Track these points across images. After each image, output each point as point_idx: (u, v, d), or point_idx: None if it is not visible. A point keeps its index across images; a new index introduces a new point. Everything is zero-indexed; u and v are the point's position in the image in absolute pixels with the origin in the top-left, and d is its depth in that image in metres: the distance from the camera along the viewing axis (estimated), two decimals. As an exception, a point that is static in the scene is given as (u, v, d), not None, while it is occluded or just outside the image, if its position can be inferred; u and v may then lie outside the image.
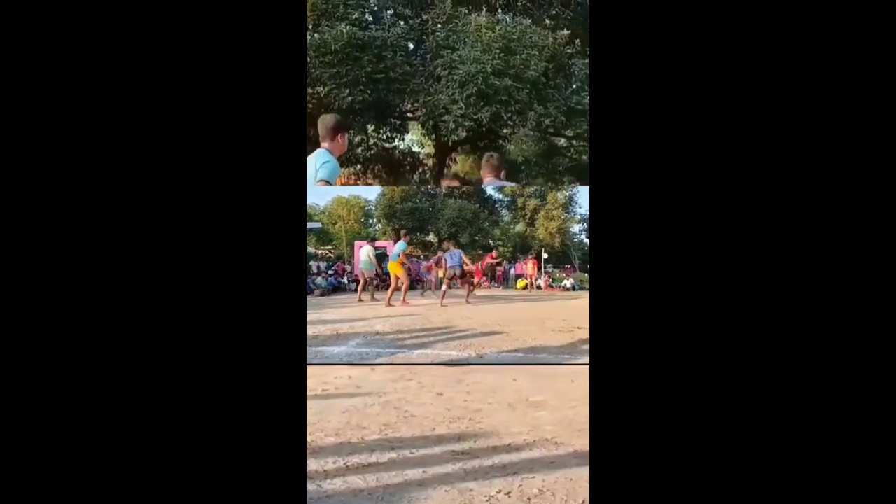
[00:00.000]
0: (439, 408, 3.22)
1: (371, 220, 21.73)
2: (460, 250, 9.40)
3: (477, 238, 20.27)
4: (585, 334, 4.94)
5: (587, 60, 9.92)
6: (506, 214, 23.27)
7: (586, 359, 4.30)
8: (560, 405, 3.25)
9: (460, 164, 15.10)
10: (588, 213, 16.45)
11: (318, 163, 3.03)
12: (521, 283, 14.83)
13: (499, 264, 13.11)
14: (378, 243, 16.40)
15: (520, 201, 19.95)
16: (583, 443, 2.66)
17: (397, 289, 8.45)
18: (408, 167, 12.53)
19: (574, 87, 9.99)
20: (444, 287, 8.75)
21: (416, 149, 13.54)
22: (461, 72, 8.85)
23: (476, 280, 11.27)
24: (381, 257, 14.73)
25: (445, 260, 9.01)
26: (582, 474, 2.32)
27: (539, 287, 14.28)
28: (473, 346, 4.61)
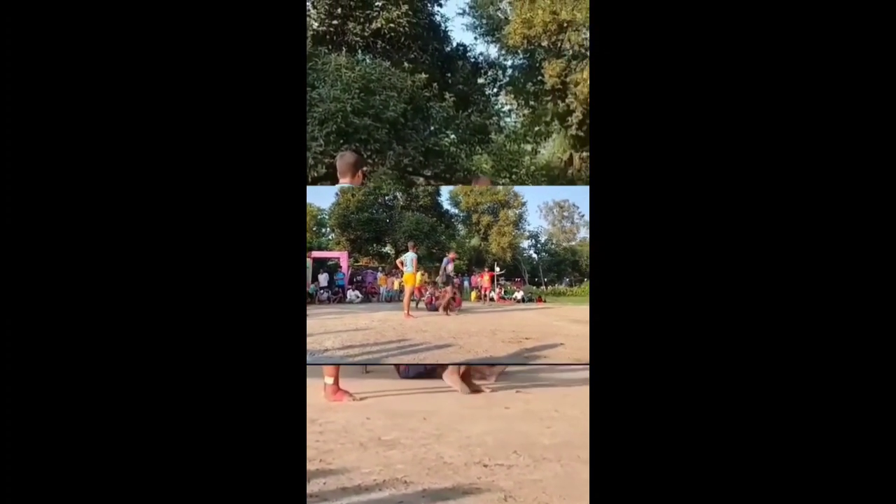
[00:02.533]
0: (290, 450, 3.16)
1: (324, 230, 20.81)
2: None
3: (435, 251, 20.14)
4: (531, 344, 5.08)
5: (444, 104, 10.31)
6: (462, 228, 23.54)
7: (536, 363, 4.58)
8: (412, 443, 3.23)
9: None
10: (535, 230, 17.16)
11: None
12: (473, 294, 14.47)
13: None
14: (327, 253, 15.26)
15: (474, 217, 20.12)
16: (432, 480, 2.71)
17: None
18: (265, 200, 12.23)
19: (432, 128, 10.29)
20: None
21: (275, 182, 13.24)
22: (321, 109, 8.91)
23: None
24: (333, 269, 13.97)
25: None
26: (430, 512, 2.37)
27: (492, 299, 14.14)
28: (427, 359, 4.49)
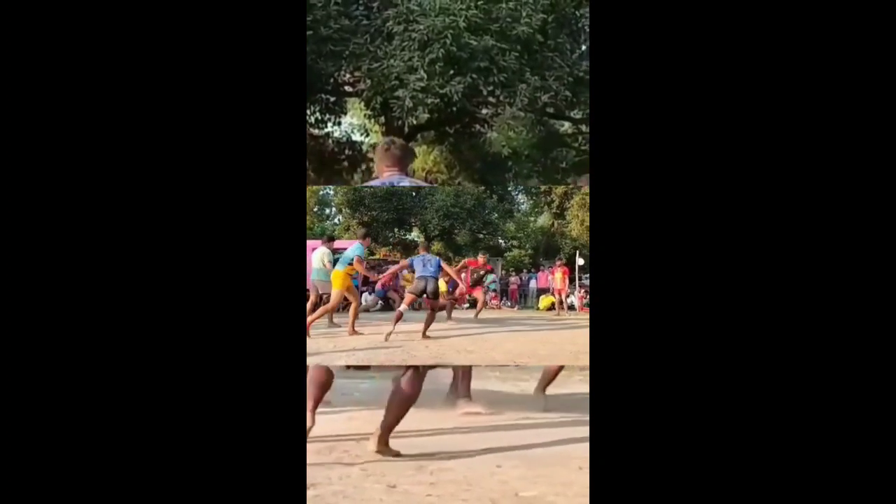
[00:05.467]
0: None
1: (329, 211, 17.27)
2: (437, 257, 6.47)
3: (482, 235, 15.97)
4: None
5: None
6: (523, 201, 18.35)
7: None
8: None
9: (421, 158, 11.81)
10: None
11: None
12: (544, 300, 11.48)
13: (487, 273, 9.40)
14: (339, 244, 12.75)
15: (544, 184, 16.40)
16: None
17: (355, 311, 5.91)
18: (345, 163, 9.43)
19: (583, 48, 7.77)
20: (399, 308, 5.91)
21: (356, 137, 10.37)
22: (422, 27, 6.86)
23: (480, 296, 7.86)
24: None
25: (412, 268, 6.16)
26: None
27: (572, 307, 10.96)
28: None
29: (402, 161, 3.19)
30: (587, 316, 9.94)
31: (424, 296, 5.76)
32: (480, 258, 8.92)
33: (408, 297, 5.91)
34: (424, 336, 5.50)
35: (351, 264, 5.73)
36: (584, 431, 3.18)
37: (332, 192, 15.12)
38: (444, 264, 6.12)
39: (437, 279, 5.85)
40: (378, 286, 8.38)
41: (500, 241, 16.91)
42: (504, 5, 6.96)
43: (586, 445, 2.99)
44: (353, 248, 6.04)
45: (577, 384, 4.47)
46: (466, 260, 8.67)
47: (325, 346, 4.96)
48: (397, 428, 3.00)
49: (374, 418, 3.48)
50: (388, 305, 10.40)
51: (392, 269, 7.30)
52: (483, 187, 14.60)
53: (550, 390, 4.35)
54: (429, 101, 6.77)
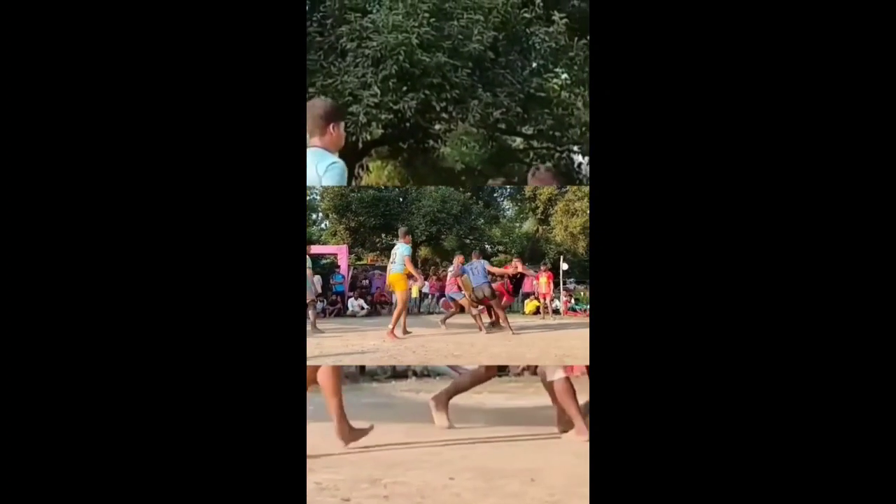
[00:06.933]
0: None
1: (315, 216, 16.99)
2: (483, 261, 7.04)
3: (468, 240, 15.92)
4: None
5: (551, 29, 7.36)
6: (508, 207, 18.49)
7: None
8: None
9: (375, 172, 11.68)
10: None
11: (319, 167, 2.50)
12: (530, 304, 11.46)
13: (521, 276, 9.27)
14: (318, 249, 12.33)
15: (528, 190, 15.89)
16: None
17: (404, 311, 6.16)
18: (301, 178, 9.45)
19: (534, 65, 7.64)
20: (474, 311, 6.77)
21: (310, 153, 10.37)
22: (375, 44, 6.82)
23: (505, 301, 7.95)
24: (328, 269, 11.04)
25: (468, 276, 6.74)
26: None
27: (556, 310, 11.03)
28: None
29: (551, 184, 3.57)
30: (571, 319, 9.85)
31: (485, 298, 6.58)
32: (516, 262, 8.85)
33: (468, 305, 6.82)
34: (512, 330, 6.41)
35: (407, 265, 5.95)
36: (538, 443, 3.25)
37: (318, 197, 14.83)
38: (488, 266, 6.95)
39: (488, 283, 6.66)
40: (451, 285, 8.45)
41: (487, 246, 16.80)
42: (456, 23, 6.93)
43: (539, 457, 3.02)
44: (398, 248, 6.08)
45: (532, 396, 4.47)
46: (507, 266, 8.78)
47: (311, 350, 4.90)
48: (359, 443, 3.07)
49: (325, 432, 3.47)
50: (374, 310, 10.32)
51: (454, 270, 7.85)
52: (469, 193, 14.57)
53: (523, 402, 4.37)
54: (382, 116, 6.72)
